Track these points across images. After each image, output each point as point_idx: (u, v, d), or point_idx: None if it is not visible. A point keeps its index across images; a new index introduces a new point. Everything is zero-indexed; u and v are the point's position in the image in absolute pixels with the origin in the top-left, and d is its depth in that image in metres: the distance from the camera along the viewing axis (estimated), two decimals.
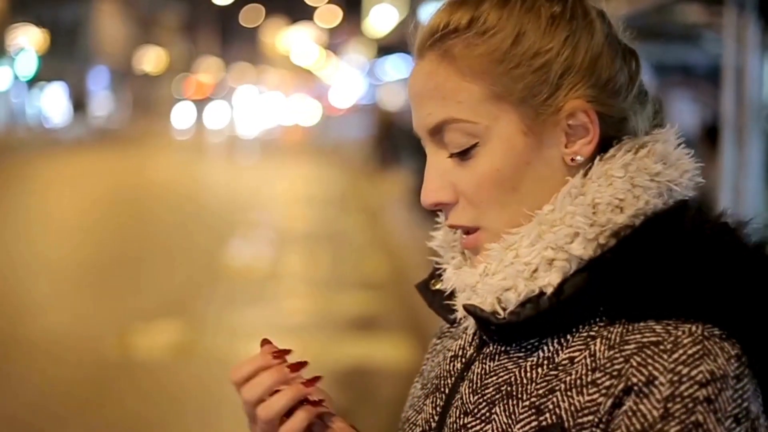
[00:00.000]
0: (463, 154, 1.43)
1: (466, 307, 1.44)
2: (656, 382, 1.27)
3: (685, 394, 1.26)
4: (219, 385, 9.33)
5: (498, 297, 1.40)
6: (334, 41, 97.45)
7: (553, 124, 1.42)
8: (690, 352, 1.27)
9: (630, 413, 1.28)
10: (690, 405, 1.25)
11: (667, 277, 1.33)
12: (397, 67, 48.39)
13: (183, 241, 18.68)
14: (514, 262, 1.40)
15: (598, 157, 1.42)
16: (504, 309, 1.39)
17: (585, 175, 1.41)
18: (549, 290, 1.36)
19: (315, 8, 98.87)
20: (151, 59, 73.56)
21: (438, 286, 1.59)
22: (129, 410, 8.50)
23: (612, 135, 1.43)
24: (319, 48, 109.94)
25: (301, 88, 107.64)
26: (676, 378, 1.26)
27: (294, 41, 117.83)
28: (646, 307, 1.32)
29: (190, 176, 34.54)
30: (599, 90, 1.42)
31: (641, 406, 1.28)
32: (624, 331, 1.33)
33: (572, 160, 1.42)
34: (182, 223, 21.24)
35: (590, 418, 1.31)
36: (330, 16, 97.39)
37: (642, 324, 1.32)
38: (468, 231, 1.46)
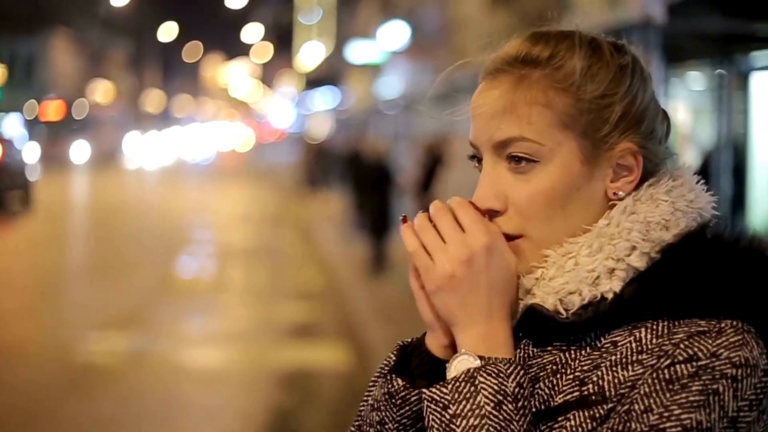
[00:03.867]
0: (522, 168, 1.44)
1: (533, 306, 1.45)
2: (698, 360, 1.32)
3: (717, 368, 1.31)
4: (173, 388, 9.27)
5: (560, 299, 1.42)
6: (267, 75, 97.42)
7: (605, 160, 1.46)
8: (732, 339, 1.32)
9: (666, 368, 1.33)
10: (717, 376, 1.30)
11: (709, 282, 1.38)
12: (324, 98, 48.53)
13: (137, 257, 18.53)
14: (576, 269, 1.42)
15: (646, 183, 1.47)
16: (566, 310, 1.43)
17: (635, 197, 1.46)
18: (610, 296, 1.40)
19: (250, 45, 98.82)
20: (101, 91, 72.90)
21: None
22: (92, 411, 8.39)
23: (647, 177, 1.49)
24: (254, 81, 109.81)
25: (237, 117, 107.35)
26: (714, 357, 1.31)
27: (231, 75, 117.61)
28: (690, 308, 1.37)
29: (140, 198, 34.30)
30: (645, 138, 1.48)
31: (678, 367, 1.32)
32: (670, 325, 1.37)
33: (614, 194, 1.46)
34: (136, 241, 21.08)
35: (629, 388, 1.35)
36: (264, 52, 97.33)
37: (687, 320, 1.37)
38: (508, 238, 1.47)
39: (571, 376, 1.41)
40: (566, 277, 1.42)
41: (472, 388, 1.34)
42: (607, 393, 1.36)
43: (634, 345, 1.38)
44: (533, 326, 1.47)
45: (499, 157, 1.46)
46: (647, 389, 1.32)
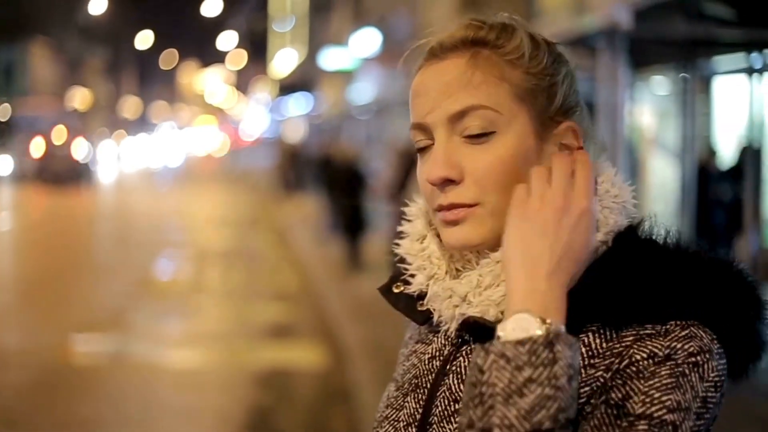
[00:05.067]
0: (480, 138, 1.42)
1: (472, 318, 1.42)
2: (656, 356, 1.30)
3: (679, 360, 1.30)
4: (152, 389, 9.21)
5: (502, 311, 1.39)
6: (242, 81, 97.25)
7: (552, 137, 1.45)
8: (681, 334, 1.31)
9: (627, 366, 1.31)
10: (680, 362, 1.29)
11: (645, 289, 1.36)
12: (298, 104, 48.46)
13: (116, 260, 18.45)
14: None
15: None
16: None
17: None
18: None
19: (225, 52, 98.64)
20: (79, 98, 72.53)
21: (403, 290, 1.56)
22: (73, 413, 8.31)
23: None
24: (229, 87, 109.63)
25: (213, 122, 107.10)
26: (671, 351, 1.30)
27: (206, 82, 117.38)
28: (631, 316, 1.35)
29: (120, 202, 34.19)
30: (581, 121, 1.49)
31: (640, 363, 1.31)
32: (617, 330, 1.36)
33: None
34: (115, 244, 21.00)
35: (587, 389, 1.33)
36: (238, 59, 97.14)
37: (633, 326, 1.35)
38: (465, 206, 1.44)
39: None
40: (504, 287, 1.39)
41: (551, 356, 1.23)
42: None
43: (583, 350, 1.35)
44: (473, 334, 1.44)
45: (454, 131, 1.44)
46: (619, 383, 1.30)
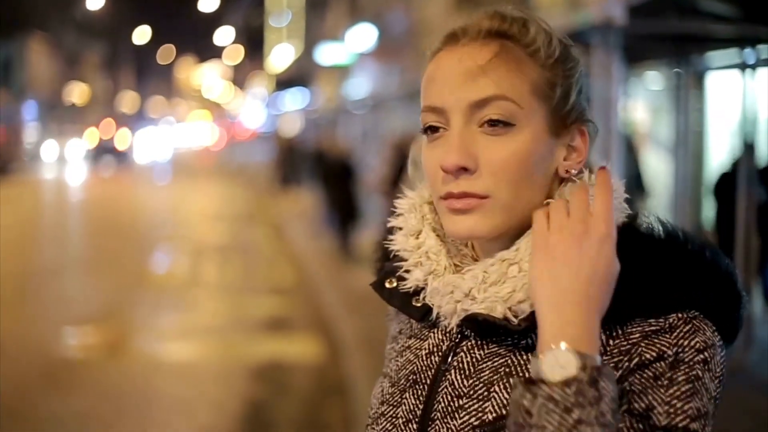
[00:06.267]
0: (498, 129, 1.40)
1: (480, 315, 1.40)
2: (665, 355, 1.31)
3: (687, 359, 1.31)
4: (149, 381, 9.21)
5: (509, 307, 1.39)
6: (238, 76, 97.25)
7: (563, 137, 1.45)
8: (685, 329, 1.33)
9: (644, 371, 1.32)
10: (691, 364, 1.31)
11: (646, 281, 1.36)
12: (294, 98, 48.43)
13: (113, 253, 18.43)
14: (520, 276, 1.39)
15: (571, 183, 1.46)
16: (516, 316, 1.38)
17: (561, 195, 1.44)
18: None
19: (222, 48, 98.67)
20: (77, 93, 72.44)
21: (397, 286, 1.55)
22: (70, 405, 8.30)
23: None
24: (226, 82, 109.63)
25: (210, 117, 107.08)
26: (679, 349, 1.31)
27: (204, 77, 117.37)
28: (636, 309, 1.35)
29: (116, 196, 34.15)
30: (590, 126, 1.49)
31: (654, 366, 1.31)
32: (622, 327, 1.36)
33: (566, 172, 1.46)
34: (112, 238, 20.98)
35: None
36: (235, 54, 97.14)
37: (636, 320, 1.35)
38: (477, 197, 1.41)
39: None
40: (511, 284, 1.39)
41: (597, 394, 1.23)
42: None
43: None
44: (475, 330, 1.44)
45: (471, 120, 1.41)
46: (638, 388, 1.31)
